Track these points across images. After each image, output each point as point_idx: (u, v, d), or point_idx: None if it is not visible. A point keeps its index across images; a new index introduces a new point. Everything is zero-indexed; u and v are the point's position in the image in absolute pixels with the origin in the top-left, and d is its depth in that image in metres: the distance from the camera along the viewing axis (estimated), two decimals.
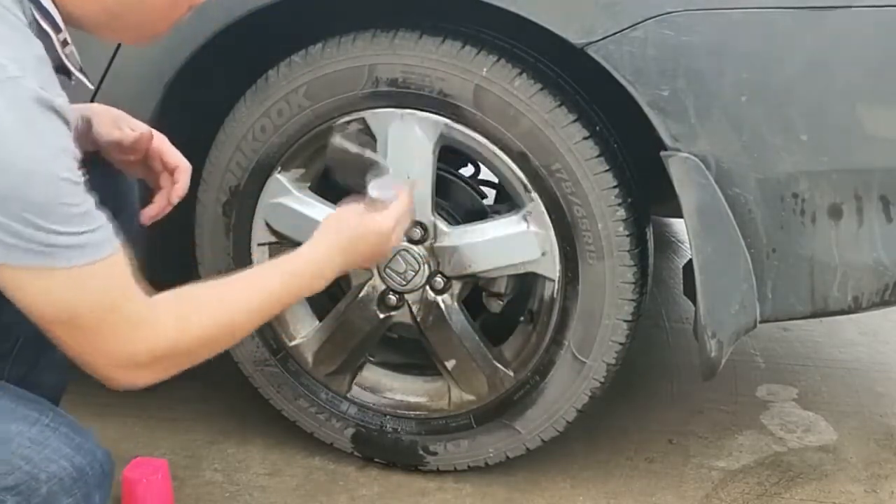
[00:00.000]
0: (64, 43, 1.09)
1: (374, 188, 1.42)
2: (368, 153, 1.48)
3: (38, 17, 1.04)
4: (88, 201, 1.01)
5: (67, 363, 1.35)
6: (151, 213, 1.40)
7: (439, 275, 1.63)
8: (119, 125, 1.36)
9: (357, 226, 1.36)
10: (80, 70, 1.14)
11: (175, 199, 1.40)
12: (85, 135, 1.33)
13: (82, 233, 0.99)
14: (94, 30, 1.13)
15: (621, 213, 1.52)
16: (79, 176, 0.99)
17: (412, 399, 1.76)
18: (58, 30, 1.07)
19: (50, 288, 0.99)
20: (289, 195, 1.66)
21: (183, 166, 1.40)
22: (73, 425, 1.10)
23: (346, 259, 1.34)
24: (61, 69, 1.08)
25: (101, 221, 1.02)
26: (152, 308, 1.08)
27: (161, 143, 1.39)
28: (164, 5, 1.13)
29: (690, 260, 1.49)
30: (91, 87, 1.19)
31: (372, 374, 1.79)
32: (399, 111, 1.56)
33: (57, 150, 0.97)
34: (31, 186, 0.94)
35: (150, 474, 1.54)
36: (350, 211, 1.40)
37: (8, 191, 0.93)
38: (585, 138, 1.50)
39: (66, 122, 0.99)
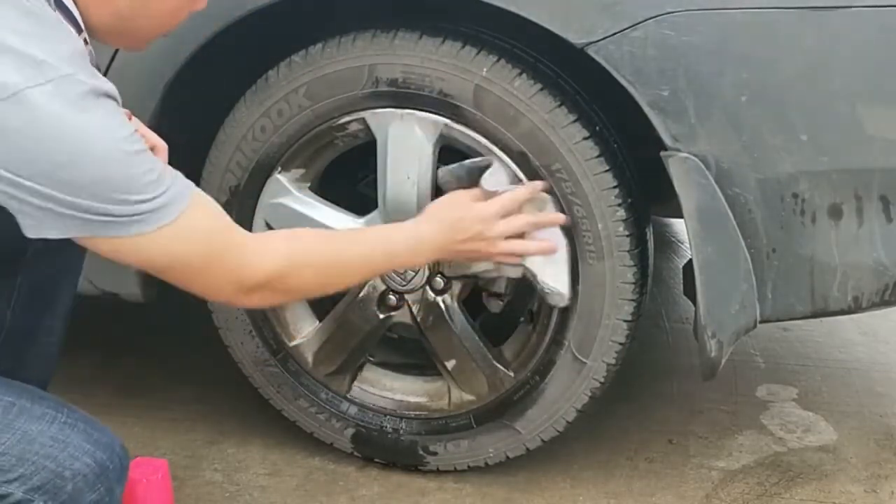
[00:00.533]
0: (84, 42, 1.13)
1: (486, 181, 1.49)
2: (474, 162, 1.51)
3: (62, 17, 1.08)
4: (157, 162, 1.08)
5: (53, 355, 1.37)
6: None
7: (439, 275, 1.63)
8: None
9: (461, 207, 1.44)
10: (97, 67, 1.18)
11: None
12: None
13: (163, 193, 1.07)
14: (101, 34, 1.17)
15: (621, 213, 1.52)
16: (142, 144, 1.06)
17: (412, 399, 1.76)
18: (79, 30, 1.11)
19: (148, 248, 1.08)
20: (289, 195, 1.65)
21: (161, 146, 1.42)
22: (89, 420, 1.13)
23: (446, 239, 1.42)
24: None
25: (172, 174, 1.10)
26: (250, 242, 1.21)
27: (138, 125, 1.40)
28: (170, 9, 1.19)
29: (690, 260, 1.49)
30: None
31: (372, 374, 1.79)
32: (399, 111, 1.56)
33: (119, 129, 1.04)
34: (110, 168, 1.02)
35: (150, 474, 1.53)
36: (460, 195, 1.47)
37: (91, 178, 1.00)
38: (585, 138, 1.50)
39: (118, 101, 1.07)
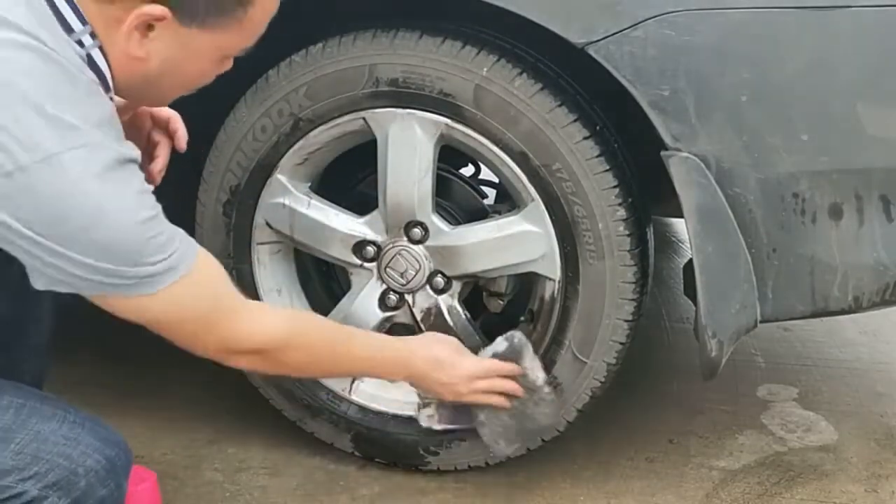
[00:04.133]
0: (111, 100, 1.14)
1: (498, 344, 1.57)
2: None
3: (95, 78, 1.10)
4: (167, 224, 1.11)
5: (43, 348, 1.39)
6: (159, 167, 1.40)
7: (440, 274, 1.63)
8: None
9: (446, 357, 1.51)
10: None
11: (183, 145, 1.41)
12: None
13: (171, 254, 1.10)
14: (124, 92, 1.18)
15: (621, 212, 1.52)
16: (157, 207, 1.10)
17: (413, 399, 1.76)
18: (108, 90, 1.13)
19: (155, 307, 1.12)
20: (289, 195, 1.66)
21: (174, 115, 1.42)
22: (94, 419, 1.17)
23: (428, 377, 1.50)
24: None
25: (180, 236, 1.13)
26: (250, 306, 1.27)
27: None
28: (197, 71, 1.20)
29: (691, 260, 1.49)
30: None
31: None
32: (399, 111, 1.56)
33: (139, 196, 1.08)
34: (125, 233, 1.05)
35: (136, 483, 1.52)
36: (453, 344, 1.54)
37: (105, 241, 1.04)
38: (586, 138, 1.50)
39: (139, 164, 1.11)
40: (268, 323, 1.27)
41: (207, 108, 1.65)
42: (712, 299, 1.48)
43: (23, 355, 1.39)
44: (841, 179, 1.43)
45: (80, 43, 1.08)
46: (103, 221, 1.03)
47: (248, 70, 1.42)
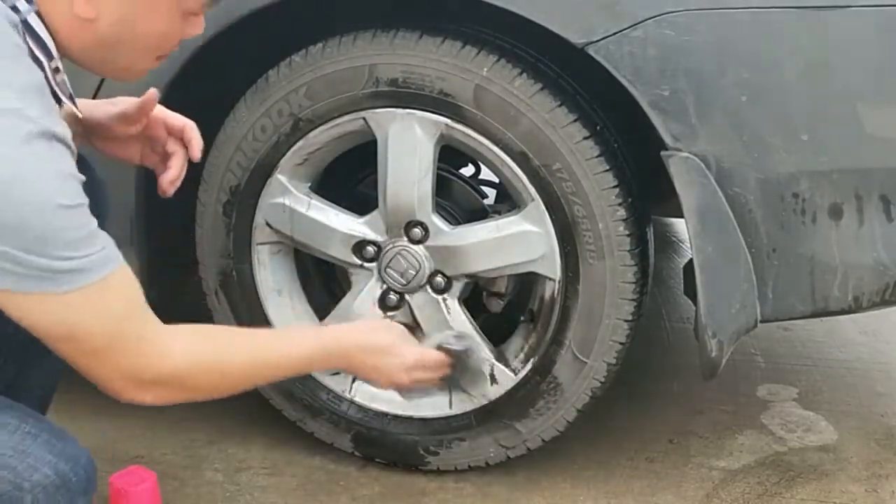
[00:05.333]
0: (55, 70, 1.09)
1: (438, 338, 1.47)
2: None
3: (31, 44, 1.04)
4: (90, 223, 1.01)
5: (56, 372, 1.34)
6: (172, 177, 1.35)
7: (440, 275, 1.63)
8: (113, 103, 1.34)
9: (385, 342, 1.36)
10: (70, 98, 1.15)
11: (198, 155, 1.37)
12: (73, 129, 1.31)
13: (84, 256, 0.99)
14: (84, 60, 1.13)
15: (622, 212, 1.52)
16: (80, 199, 1.00)
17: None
18: (50, 57, 1.07)
19: (54, 310, 1.00)
20: (289, 195, 1.66)
21: (190, 123, 1.37)
22: (55, 431, 1.10)
23: (357, 361, 1.35)
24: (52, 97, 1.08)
25: (104, 242, 1.03)
26: (161, 333, 1.10)
27: (160, 109, 1.37)
28: (155, 38, 1.13)
29: (691, 260, 1.49)
30: (80, 115, 1.19)
31: None
32: (399, 111, 1.56)
33: (58, 178, 0.98)
34: (33, 216, 0.95)
35: (135, 484, 1.51)
36: (394, 328, 1.41)
37: (9, 221, 0.94)
38: (586, 138, 1.50)
39: (68, 147, 1.00)
40: (177, 348, 1.11)
41: (207, 107, 1.67)
42: (712, 299, 1.48)
43: (32, 378, 1.35)
44: (841, 179, 1.43)
45: (15, 9, 1.02)
46: (15, 197, 0.93)
47: None
